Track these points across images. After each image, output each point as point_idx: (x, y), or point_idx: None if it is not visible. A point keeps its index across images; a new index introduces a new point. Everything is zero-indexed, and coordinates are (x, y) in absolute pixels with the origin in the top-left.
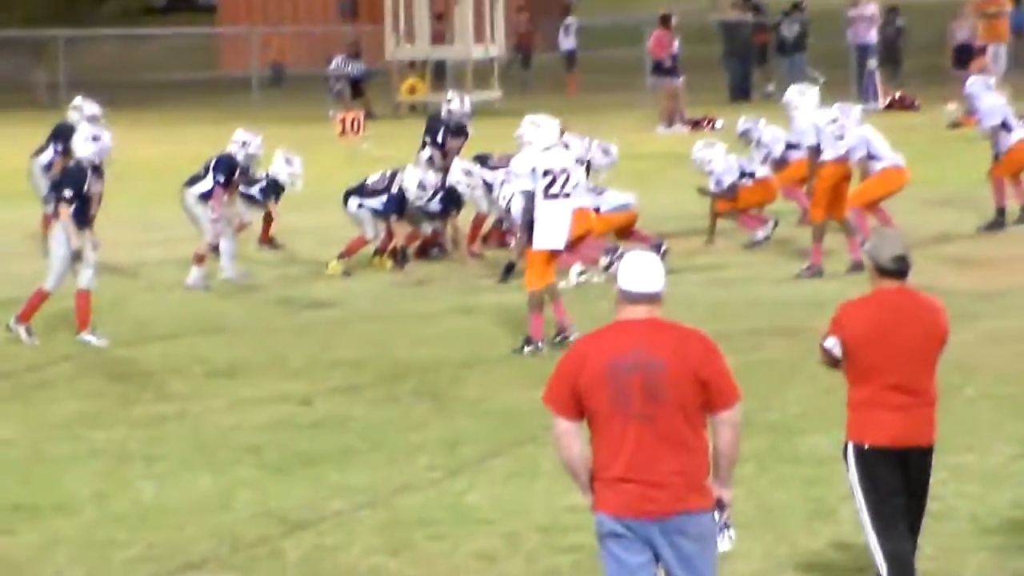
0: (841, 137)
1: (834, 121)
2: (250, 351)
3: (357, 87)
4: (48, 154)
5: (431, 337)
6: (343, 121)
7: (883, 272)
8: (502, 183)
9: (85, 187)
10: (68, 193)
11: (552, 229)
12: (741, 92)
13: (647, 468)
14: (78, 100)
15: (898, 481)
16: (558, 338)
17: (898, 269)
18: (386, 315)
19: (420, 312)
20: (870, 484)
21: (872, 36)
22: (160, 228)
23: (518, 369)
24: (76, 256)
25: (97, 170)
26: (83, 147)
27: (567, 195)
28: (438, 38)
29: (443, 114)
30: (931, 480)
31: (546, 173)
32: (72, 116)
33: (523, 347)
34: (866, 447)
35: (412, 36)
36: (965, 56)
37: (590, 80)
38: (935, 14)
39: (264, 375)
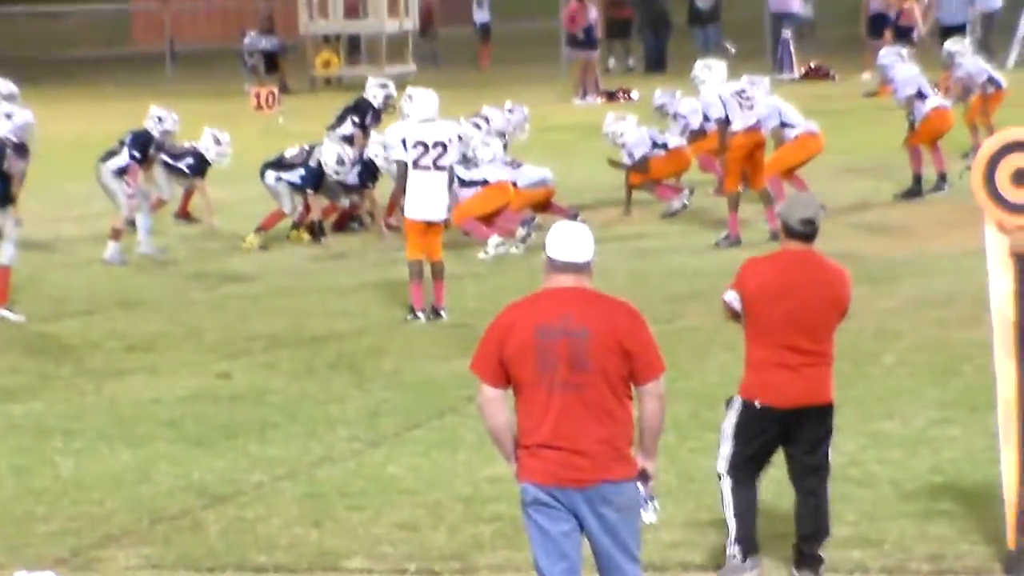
0: (751, 108)
1: (741, 92)
2: (168, 325)
3: (272, 61)
4: None
5: (349, 310)
6: (258, 96)
7: (790, 233)
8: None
9: (4, 165)
10: None
11: (421, 200)
12: (656, 63)
13: (571, 436)
14: None
15: (775, 442)
16: (432, 315)
17: (804, 231)
18: (304, 288)
19: (338, 285)
20: (745, 437)
21: (795, 4)
22: (76, 204)
23: (436, 341)
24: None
25: (19, 148)
26: None
27: (440, 168)
28: (352, 12)
29: (373, 99)
30: (830, 439)
31: (416, 144)
32: None
33: (406, 317)
34: (757, 405)
35: (326, 10)
36: (880, 26)
37: (506, 53)
38: None
39: (182, 349)
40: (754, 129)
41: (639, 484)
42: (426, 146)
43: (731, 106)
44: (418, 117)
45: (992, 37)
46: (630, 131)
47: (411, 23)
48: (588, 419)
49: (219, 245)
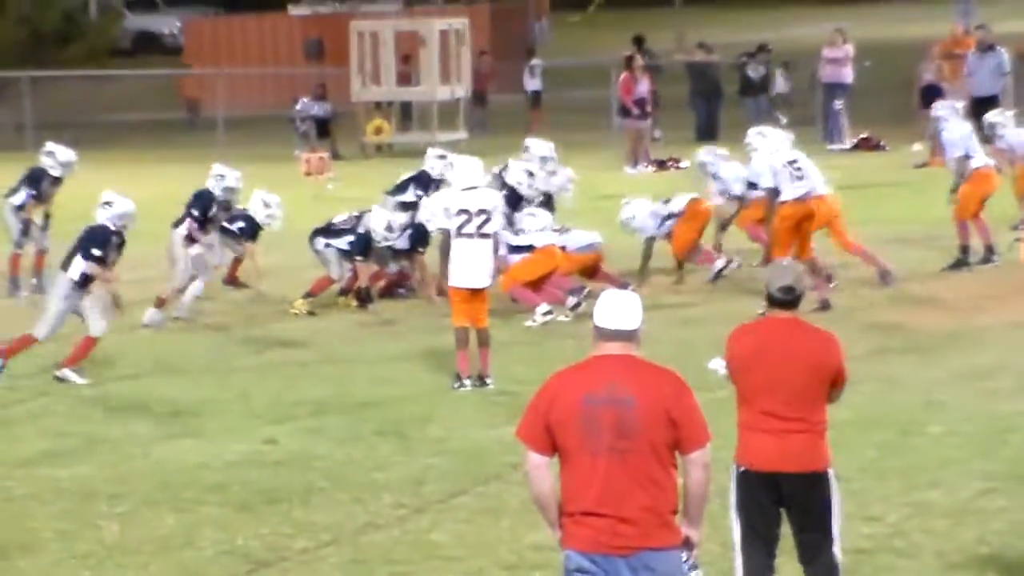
0: (800, 179)
1: (793, 162)
2: (215, 390)
3: (323, 127)
4: (20, 196)
5: (395, 377)
6: (308, 161)
7: (772, 301)
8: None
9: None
10: (96, 252)
11: (466, 267)
12: (707, 132)
13: (616, 503)
14: (50, 145)
15: (773, 508)
16: (478, 383)
17: (784, 299)
18: (350, 355)
19: (384, 352)
20: (743, 506)
21: (847, 75)
22: (132, 267)
23: (482, 408)
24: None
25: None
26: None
27: (484, 235)
28: (403, 79)
29: (431, 169)
30: (831, 512)
31: (460, 212)
32: (45, 161)
33: (453, 384)
34: (743, 469)
35: (378, 77)
36: (931, 97)
37: (556, 120)
38: (902, 54)
39: (229, 414)
40: (802, 200)
41: (683, 552)
42: (469, 213)
43: (781, 176)
44: (461, 184)
45: None
46: (639, 213)
47: (463, 90)
48: (632, 487)
49: (267, 310)
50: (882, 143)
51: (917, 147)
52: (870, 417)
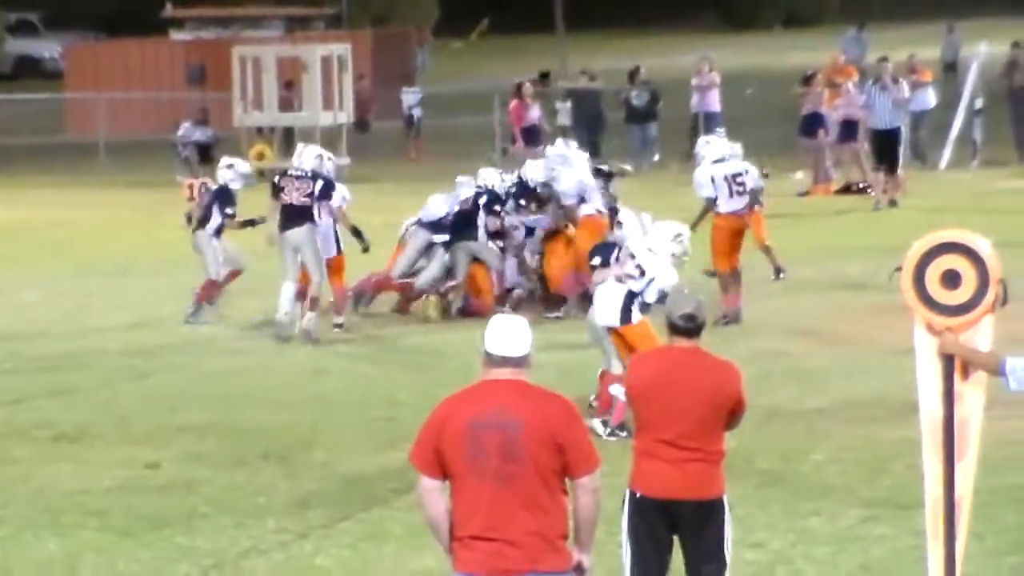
0: (740, 194)
1: (736, 176)
2: (97, 414)
3: (205, 153)
4: (216, 220)
5: (281, 400)
6: (190, 187)
7: (674, 329)
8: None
9: None
10: (228, 210)
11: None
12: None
13: (502, 527)
14: (228, 159)
15: (666, 535)
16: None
17: (686, 327)
18: (236, 379)
19: (270, 376)
20: (635, 533)
21: (714, 103)
22: (4, 292)
23: (366, 433)
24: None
25: None
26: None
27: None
28: (286, 105)
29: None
30: (723, 540)
31: None
32: (225, 175)
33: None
34: (638, 495)
35: (260, 103)
36: (813, 125)
37: (438, 148)
38: (783, 82)
39: (111, 438)
40: (737, 214)
41: None
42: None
43: (720, 188)
44: None
45: (921, 136)
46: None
47: (345, 116)
48: (519, 511)
49: (150, 333)
50: (764, 171)
51: (799, 175)
52: (753, 445)
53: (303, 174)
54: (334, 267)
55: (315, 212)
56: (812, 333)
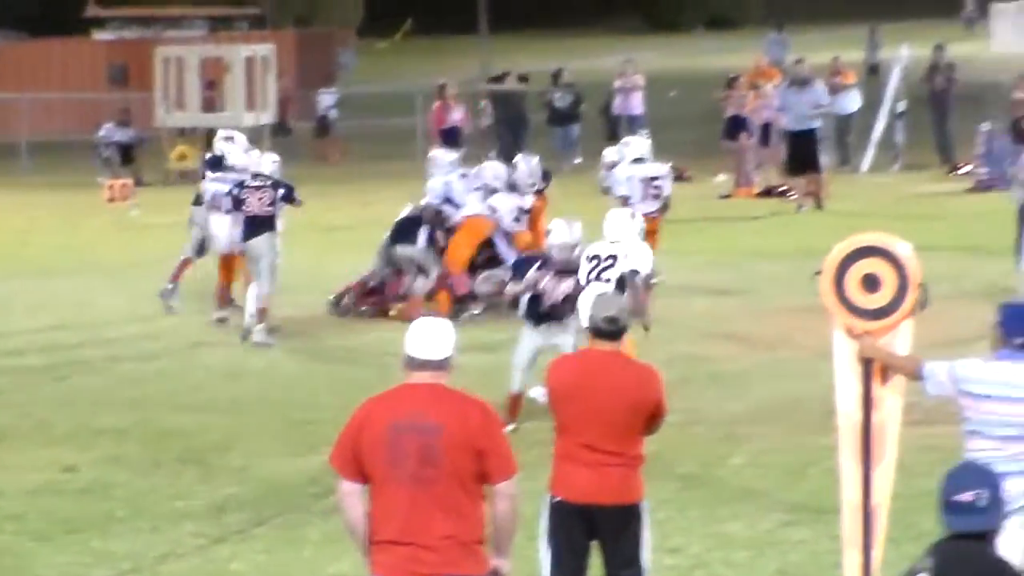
0: (655, 197)
1: (653, 179)
2: (13, 418)
3: (127, 154)
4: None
5: (198, 403)
6: (112, 188)
7: (595, 332)
8: None
9: None
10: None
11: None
12: (510, 160)
13: (419, 531)
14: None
15: (584, 539)
16: None
17: (608, 330)
18: (154, 381)
19: (188, 378)
20: (553, 536)
21: (637, 106)
22: None
23: (284, 437)
24: None
25: None
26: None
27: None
28: (209, 105)
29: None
30: (640, 544)
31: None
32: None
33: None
34: (557, 499)
35: (183, 103)
36: (736, 128)
37: (360, 149)
38: (706, 85)
39: (27, 442)
40: (650, 216)
41: None
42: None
43: (635, 188)
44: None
45: (848, 140)
46: None
47: (268, 117)
48: (436, 515)
49: (70, 335)
50: (686, 174)
51: (721, 178)
52: (672, 449)
53: (263, 183)
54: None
55: (276, 219)
56: (732, 336)
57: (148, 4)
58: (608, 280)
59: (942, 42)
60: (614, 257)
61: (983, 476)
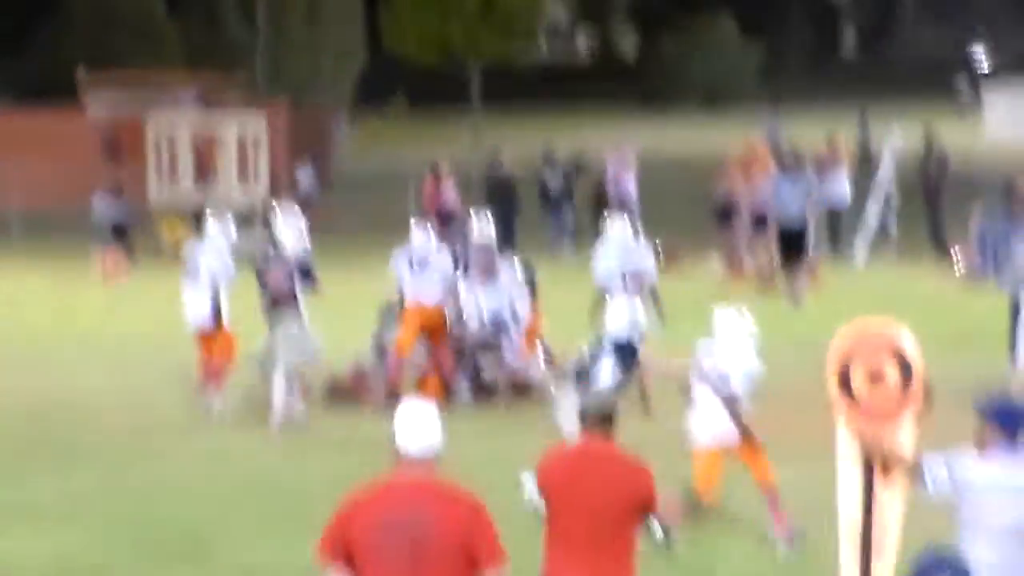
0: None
1: (635, 273)
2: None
3: (119, 227)
4: None
5: (189, 489)
6: (103, 261)
7: (587, 424)
8: None
9: None
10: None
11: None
12: (504, 241)
13: None
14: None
15: None
16: None
17: (600, 423)
18: (144, 466)
19: (179, 462)
20: None
21: (631, 186)
22: None
23: (275, 524)
24: None
25: None
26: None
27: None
28: (201, 179)
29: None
30: None
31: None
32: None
33: None
34: None
35: (175, 177)
36: (727, 210)
37: (349, 225)
38: (700, 165)
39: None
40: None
41: None
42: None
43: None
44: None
45: (841, 235)
46: None
47: (260, 191)
48: None
49: (57, 410)
50: (677, 255)
51: (712, 261)
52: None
53: (283, 258)
54: (212, 340)
55: (297, 295)
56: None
57: (140, 70)
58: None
59: (935, 129)
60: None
61: (948, 563)
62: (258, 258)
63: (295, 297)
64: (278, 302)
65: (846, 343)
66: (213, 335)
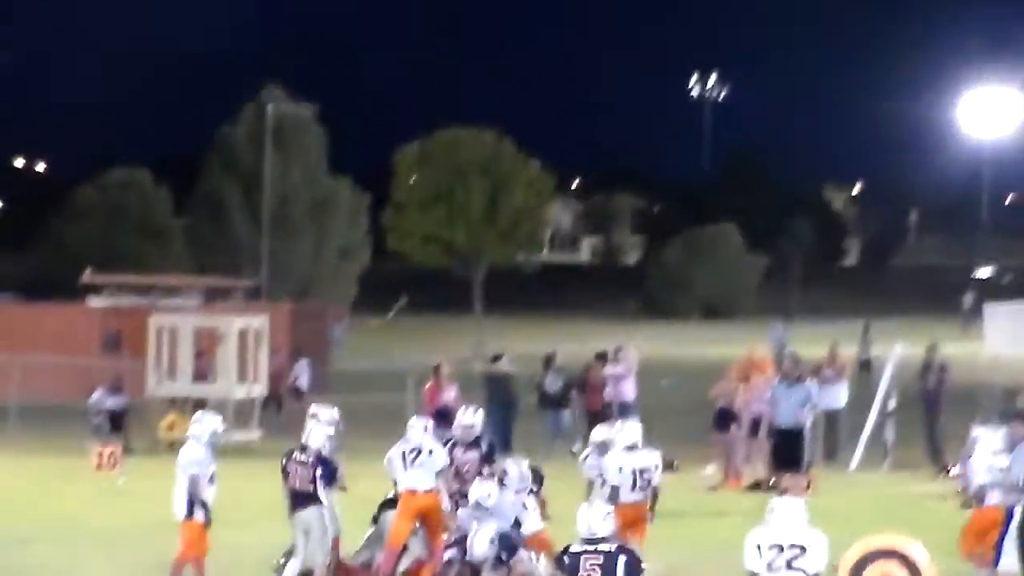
0: (643, 488)
1: (644, 472)
2: None
3: (116, 421)
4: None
5: None
6: (100, 455)
7: None
8: None
9: None
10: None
11: None
12: (501, 443)
13: None
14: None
15: None
16: None
17: None
18: None
19: None
20: None
21: (628, 392)
22: None
23: None
24: None
25: None
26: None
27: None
28: (200, 375)
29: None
30: None
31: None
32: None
33: None
34: None
35: (175, 372)
36: (726, 418)
37: (348, 425)
38: (699, 373)
39: None
40: (635, 505)
41: None
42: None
43: (625, 479)
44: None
45: (835, 437)
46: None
47: (259, 389)
48: None
49: None
50: (675, 463)
51: (710, 470)
52: None
53: (305, 459)
54: (191, 536)
55: (320, 494)
56: None
57: (146, 272)
58: (803, 571)
59: (936, 341)
60: (802, 548)
61: None
62: (282, 456)
63: (316, 496)
64: (297, 500)
65: (860, 551)
66: (184, 526)
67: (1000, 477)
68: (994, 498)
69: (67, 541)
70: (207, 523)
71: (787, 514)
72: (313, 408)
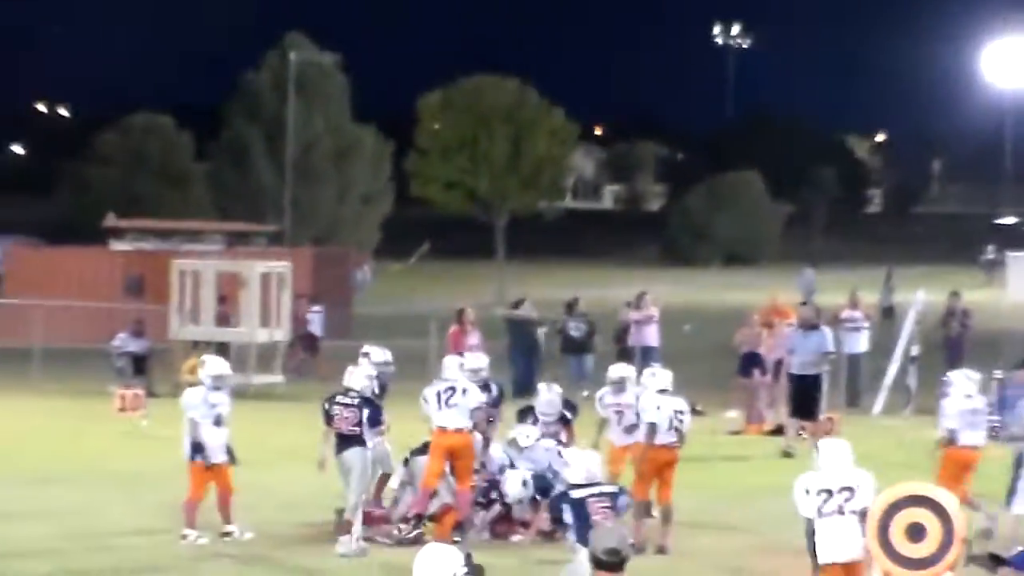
0: (677, 429)
1: (679, 412)
2: None
3: (139, 364)
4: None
5: None
6: (123, 398)
7: (597, 563)
8: None
9: None
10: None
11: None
12: (525, 388)
13: None
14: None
15: None
16: None
17: (610, 561)
18: None
19: None
20: None
21: (652, 337)
22: None
23: None
24: None
25: None
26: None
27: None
28: (223, 320)
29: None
30: None
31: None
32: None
33: None
34: None
35: (197, 317)
36: (750, 364)
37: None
38: (721, 319)
39: None
40: (669, 447)
41: None
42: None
43: (662, 418)
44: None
45: (857, 383)
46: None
47: (282, 334)
48: None
49: (72, 544)
50: (698, 407)
51: (732, 413)
52: None
53: (350, 402)
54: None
55: (365, 437)
56: (739, 571)
57: (168, 217)
58: (853, 512)
59: (958, 289)
60: (851, 489)
61: None
62: (323, 400)
63: (360, 438)
64: (342, 442)
65: (891, 496)
66: (189, 468)
67: (972, 420)
68: (966, 439)
69: (89, 482)
70: (215, 464)
71: (833, 456)
72: (366, 347)
